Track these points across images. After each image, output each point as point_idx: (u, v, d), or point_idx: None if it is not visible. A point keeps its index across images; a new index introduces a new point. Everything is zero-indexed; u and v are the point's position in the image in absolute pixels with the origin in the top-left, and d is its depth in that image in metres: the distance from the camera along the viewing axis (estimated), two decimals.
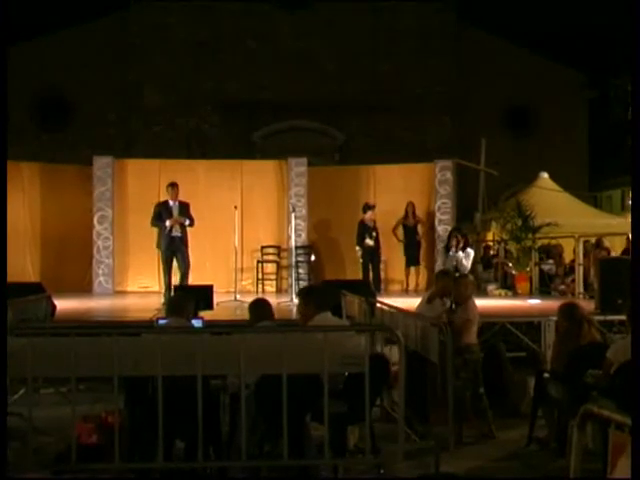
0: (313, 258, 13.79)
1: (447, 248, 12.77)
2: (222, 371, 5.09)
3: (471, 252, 12.51)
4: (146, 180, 14.02)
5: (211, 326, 6.59)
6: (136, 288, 13.97)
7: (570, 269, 13.66)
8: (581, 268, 12.19)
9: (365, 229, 13.31)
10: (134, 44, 21.63)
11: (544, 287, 13.15)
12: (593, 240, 13.65)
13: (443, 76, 21.90)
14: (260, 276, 14.21)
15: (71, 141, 21.13)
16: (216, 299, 9.49)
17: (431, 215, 14.39)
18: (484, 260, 15.18)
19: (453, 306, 7.30)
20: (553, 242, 14.55)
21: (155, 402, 4.57)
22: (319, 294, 6.09)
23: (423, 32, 21.97)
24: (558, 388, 6.13)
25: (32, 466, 4.83)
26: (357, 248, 13.32)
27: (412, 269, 14.15)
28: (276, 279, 14.45)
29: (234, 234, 12.07)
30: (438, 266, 13.23)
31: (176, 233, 10.74)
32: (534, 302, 11.40)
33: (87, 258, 13.85)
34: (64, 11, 21.14)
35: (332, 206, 14.58)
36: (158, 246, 10.96)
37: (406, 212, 14.00)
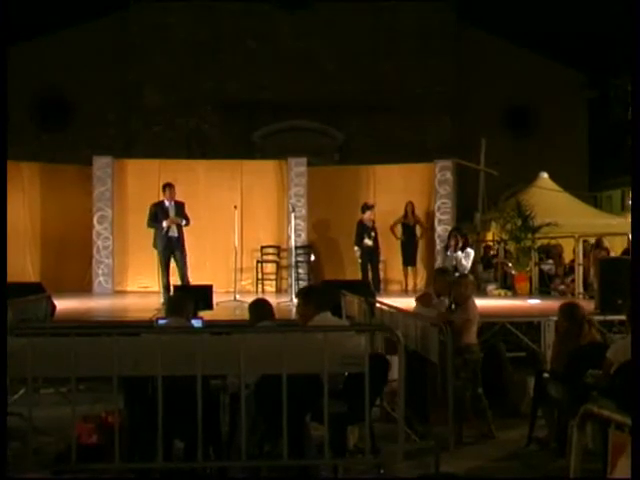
0: (313, 258, 13.79)
1: (446, 248, 12.77)
2: (222, 371, 5.09)
3: (471, 252, 12.50)
4: (146, 180, 14.00)
5: (211, 326, 6.59)
6: (136, 288, 13.97)
7: (570, 269, 13.67)
8: (581, 268, 12.20)
9: (364, 229, 13.30)
10: (134, 44, 21.63)
11: (544, 287, 13.15)
12: (593, 240, 13.66)
13: (443, 76, 21.89)
14: (260, 276, 14.22)
15: (71, 141, 21.11)
16: (216, 299, 9.49)
17: (431, 215, 14.39)
18: (484, 260, 15.18)
19: (453, 306, 7.30)
20: (553, 242, 14.56)
21: (155, 402, 4.57)
22: (319, 294, 6.09)
23: (423, 32, 21.96)
24: (558, 388, 6.13)
25: (32, 466, 4.83)
26: (355, 248, 13.30)
27: (409, 269, 14.16)
28: (276, 279, 14.45)
29: (234, 234, 12.07)
30: (438, 266, 13.22)
31: (173, 233, 10.74)
32: (534, 302, 11.41)
33: (87, 258, 13.86)
34: (64, 11, 21.13)
35: (332, 206, 14.58)
36: (155, 246, 10.94)
37: (405, 211, 14.02)
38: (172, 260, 10.84)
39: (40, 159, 15.92)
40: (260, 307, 5.93)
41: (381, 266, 13.85)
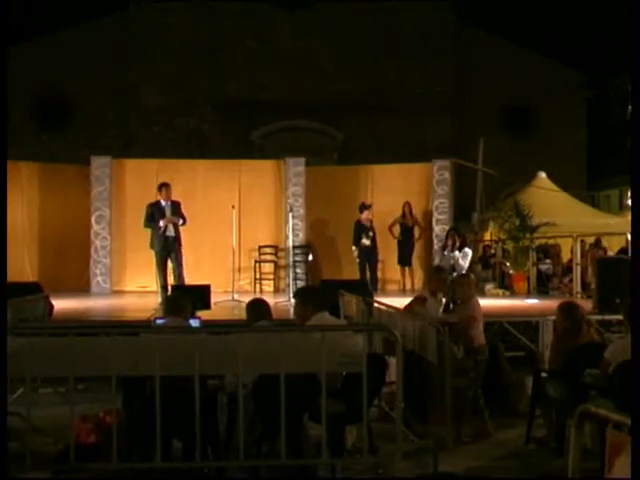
0: (311, 258, 13.78)
1: (444, 248, 12.78)
2: (220, 371, 5.09)
3: (469, 252, 12.51)
4: (144, 180, 13.96)
5: (208, 326, 6.59)
6: (134, 288, 13.95)
7: (568, 269, 13.68)
8: (579, 268, 12.20)
9: (361, 229, 13.29)
10: (134, 44, 21.62)
11: (542, 287, 13.16)
12: (591, 240, 13.67)
13: (443, 76, 21.90)
14: (258, 276, 14.21)
15: (70, 141, 21.12)
16: (213, 299, 9.47)
17: (429, 215, 14.39)
18: (482, 260, 15.18)
19: (451, 305, 7.31)
20: (551, 242, 14.58)
21: (153, 402, 4.57)
22: (316, 294, 6.10)
23: (423, 32, 21.96)
24: (556, 387, 6.13)
25: (31, 466, 4.82)
26: (353, 248, 13.28)
27: (406, 269, 14.16)
28: (274, 279, 14.44)
29: (232, 234, 12.06)
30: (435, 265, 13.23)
31: (170, 233, 10.73)
32: (532, 302, 11.42)
33: (85, 258, 13.84)
34: (64, 11, 21.13)
35: (330, 206, 14.57)
36: (151, 246, 10.93)
37: (403, 212, 14.02)
38: (169, 260, 10.83)
39: (39, 159, 15.90)
40: (258, 307, 5.93)
41: (379, 266, 13.85)
